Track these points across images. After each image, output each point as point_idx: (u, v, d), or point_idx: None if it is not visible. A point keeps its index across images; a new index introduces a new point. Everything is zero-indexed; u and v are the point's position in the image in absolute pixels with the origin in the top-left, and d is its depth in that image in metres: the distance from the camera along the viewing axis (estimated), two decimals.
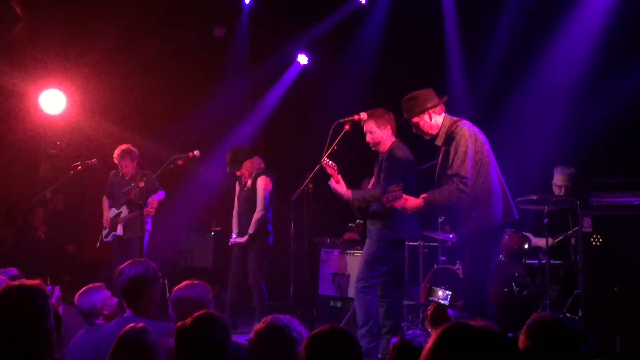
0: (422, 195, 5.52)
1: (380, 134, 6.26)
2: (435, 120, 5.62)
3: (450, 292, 6.47)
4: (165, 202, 9.04)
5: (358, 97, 9.18)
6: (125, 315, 4.09)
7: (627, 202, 6.24)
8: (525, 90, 8.02)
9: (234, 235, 7.93)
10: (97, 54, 10.14)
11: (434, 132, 5.63)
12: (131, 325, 3.09)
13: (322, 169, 6.07)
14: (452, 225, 6.87)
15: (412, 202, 5.49)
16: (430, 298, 6.64)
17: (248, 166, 7.86)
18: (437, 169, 5.59)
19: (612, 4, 7.44)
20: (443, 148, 5.55)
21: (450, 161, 5.42)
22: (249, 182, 7.89)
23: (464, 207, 5.43)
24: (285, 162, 10.44)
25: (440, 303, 4.82)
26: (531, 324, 2.77)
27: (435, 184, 5.55)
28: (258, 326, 3.04)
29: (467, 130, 5.44)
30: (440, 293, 6.60)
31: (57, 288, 4.64)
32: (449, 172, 5.40)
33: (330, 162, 6.06)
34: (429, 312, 4.06)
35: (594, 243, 6.10)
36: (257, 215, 7.71)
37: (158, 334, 3.08)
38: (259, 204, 7.73)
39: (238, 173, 7.91)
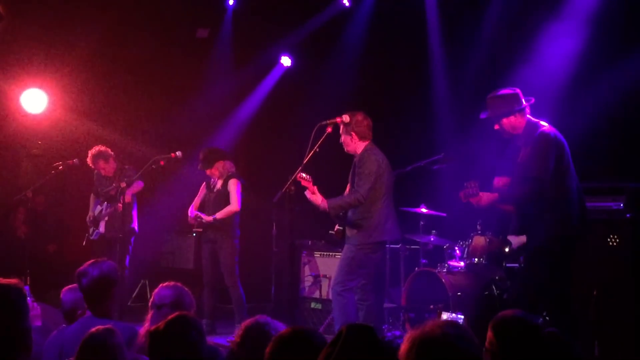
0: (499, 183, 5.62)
1: (348, 138, 6.25)
2: (518, 120, 5.67)
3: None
4: (146, 203, 8.98)
5: (341, 99, 9.16)
6: (86, 315, 4.02)
7: (606, 206, 6.28)
8: None
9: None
10: (80, 54, 10.06)
11: (516, 132, 5.70)
12: (97, 327, 3.07)
13: (304, 171, 6.06)
14: (522, 227, 6.80)
15: (486, 197, 5.58)
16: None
17: (220, 167, 7.84)
18: (517, 169, 5.62)
19: (594, 9, 7.46)
20: (523, 149, 5.61)
21: (530, 162, 5.49)
22: (219, 184, 7.88)
23: (538, 209, 5.48)
24: (267, 164, 10.43)
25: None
26: (495, 321, 3.09)
27: (514, 184, 5.61)
28: (239, 331, 3.00)
29: (550, 134, 5.51)
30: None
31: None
32: (530, 174, 5.46)
33: (305, 175, 6.05)
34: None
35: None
36: (231, 207, 7.68)
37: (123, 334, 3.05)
38: (234, 202, 7.70)
39: (208, 172, 7.89)
